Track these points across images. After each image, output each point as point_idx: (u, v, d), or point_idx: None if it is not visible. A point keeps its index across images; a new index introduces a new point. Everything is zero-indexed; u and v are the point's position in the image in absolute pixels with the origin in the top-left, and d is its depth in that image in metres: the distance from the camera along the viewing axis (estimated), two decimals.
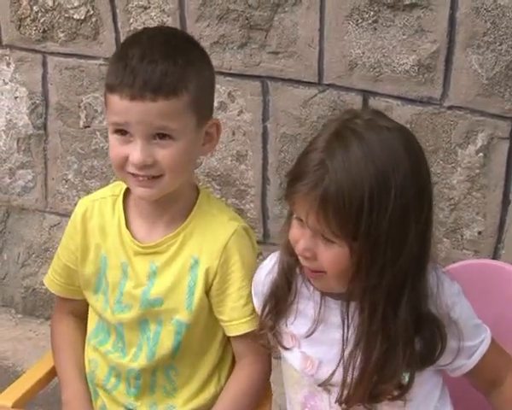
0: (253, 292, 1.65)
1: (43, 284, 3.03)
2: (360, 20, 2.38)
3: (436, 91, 2.38)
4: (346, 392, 1.47)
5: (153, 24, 2.59)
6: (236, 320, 1.67)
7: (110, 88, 1.57)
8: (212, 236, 1.66)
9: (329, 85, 2.48)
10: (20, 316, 3.08)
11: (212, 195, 1.76)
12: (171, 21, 2.57)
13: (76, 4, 2.67)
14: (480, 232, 2.45)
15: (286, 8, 2.45)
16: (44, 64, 2.79)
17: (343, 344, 1.47)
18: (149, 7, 2.59)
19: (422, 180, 1.41)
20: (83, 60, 2.73)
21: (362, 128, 1.39)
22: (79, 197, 2.84)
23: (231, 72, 2.56)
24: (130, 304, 1.69)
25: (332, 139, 1.39)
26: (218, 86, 2.49)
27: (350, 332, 1.46)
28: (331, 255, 1.40)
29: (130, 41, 1.65)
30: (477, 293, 1.54)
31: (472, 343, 1.52)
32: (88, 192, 2.84)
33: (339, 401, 1.49)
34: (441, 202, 2.41)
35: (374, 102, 2.44)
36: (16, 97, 2.86)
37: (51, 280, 1.82)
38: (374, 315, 1.42)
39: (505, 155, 2.37)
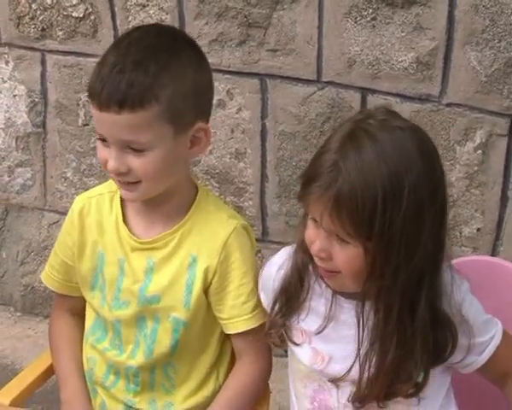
0: (260, 288, 1.65)
1: (42, 282, 3.03)
2: (359, 18, 2.38)
3: (435, 89, 2.39)
4: (360, 391, 1.48)
5: (151, 22, 2.59)
6: (236, 318, 1.66)
7: (87, 93, 1.57)
8: (211, 234, 1.65)
9: (328, 83, 2.48)
10: (19, 314, 3.08)
11: (210, 192, 1.76)
12: (169, 19, 2.57)
13: (74, 2, 2.67)
14: (478, 229, 2.45)
15: (284, 6, 2.45)
16: (43, 62, 2.79)
17: (358, 344, 1.48)
18: (148, 4, 2.59)
19: (436, 179, 1.42)
20: (81, 58, 2.73)
21: (375, 128, 1.40)
22: (78, 195, 2.85)
23: (230, 69, 2.56)
24: (127, 301, 1.69)
25: (345, 140, 1.40)
26: (216, 84, 2.48)
27: (364, 332, 1.47)
28: (346, 256, 1.41)
29: (113, 44, 1.62)
30: (476, 290, 1.54)
31: (483, 339, 1.53)
32: (87, 190, 2.84)
33: (352, 400, 1.50)
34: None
35: (372, 100, 2.44)
36: (15, 95, 2.86)
37: (48, 276, 1.83)
38: (389, 316, 1.43)
39: (504, 152, 2.38)
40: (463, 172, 2.42)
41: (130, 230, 1.68)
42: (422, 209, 1.38)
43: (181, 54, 1.57)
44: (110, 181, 1.71)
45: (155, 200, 1.64)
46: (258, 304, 1.66)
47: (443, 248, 1.45)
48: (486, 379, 1.60)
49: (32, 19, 2.74)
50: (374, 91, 2.44)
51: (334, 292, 1.52)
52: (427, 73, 2.37)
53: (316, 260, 1.47)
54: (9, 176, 2.95)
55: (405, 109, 2.41)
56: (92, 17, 2.67)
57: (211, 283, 1.66)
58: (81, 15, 2.68)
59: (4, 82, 2.85)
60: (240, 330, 1.67)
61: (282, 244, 2.47)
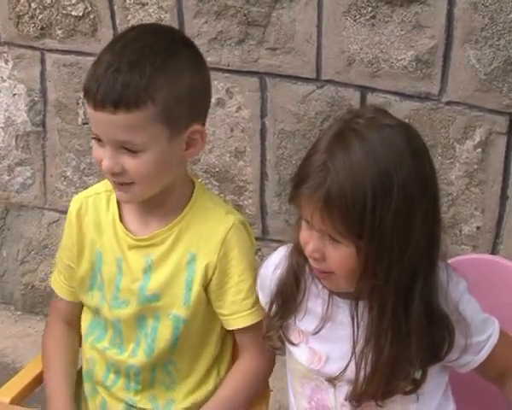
0: (258, 286, 1.66)
1: (43, 281, 3.04)
2: (358, 16, 2.38)
3: (434, 87, 2.38)
4: (357, 389, 1.48)
5: (151, 20, 2.59)
6: (236, 314, 1.67)
7: (83, 92, 1.57)
8: (210, 230, 1.65)
9: (327, 81, 2.48)
10: (19, 313, 3.08)
11: (207, 189, 1.76)
12: (168, 18, 2.57)
13: (74, 1, 2.67)
14: (478, 228, 2.45)
15: (284, 4, 2.45)
16: (43, 61, 2.79)
17: (353, 343, 1.48)
18: (147, 3, 2.59)
19: (426, 176, 1.42)
20: (81, 57, 2.72)
21: (363, 127, 1.40)
22: (76, 194, 2.85)
23: (229, 68, 2.56)
24: (127, 300, 1.69)
25: (333, 140, 1.40)
26: (215, 82, 2.49)
27: (360, 331, 1.47)
28: (339, 256, 1.41)
29: (109, 44, 1.61)
30: (475, 288, 1.54)
31: (480, 339, 1.53)
32: (87, 189, 2.84)
33: (349, 398, 1.51)
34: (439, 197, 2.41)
35: (372, 98, 2.44)
36: (14, 94, 2.86)
37: (58, 283, 1.81)
38: (383, 313, 1.43)
39: (503, 150, 2.37)
40: (463, 171, 2.41)
41: (126, 228, 1.68)
42: (413, 206, 1.38)
43: (178, 55, 1.57)
44: (106, 180, 1.71)
45: (152, 198, 1.64)
46: (258, 300, 1.66)
47: (437, 245, 1.46)
48: (484, 378, 1.60)
49: (31, 18, 2.73)
50: (373, 90, 2.44)
51: (331, 292, 1.52)
52: (427, 72, 2.37)
53: (310, 261, 1.48)
54: (9, 175, 2.95)
55: (405, 108, 2.41)
56: (91, 16, 2.67)
57: (211, 279, 1.66)
58: (80, 14, 2.67)
59: (4, 81, 2.85)
60: (240, 326, 1.67)
61: (282, 243, 2.47)
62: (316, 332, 1.53)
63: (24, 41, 2.78)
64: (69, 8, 2.68)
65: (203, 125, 1.63)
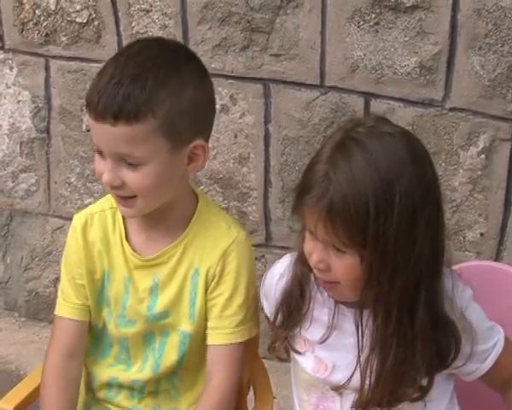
0: (263, 295, 1.65)
1: (47, 288, 3.05)
2: (362, 23, 2.38)
3: (438, 93, 2.38)
4: (362, 397, 1.48)
5: (155, 27, 2.59)
6: (218, 330, 1.65)
7: (85, 102, 1.56)
8: (212, 243, 1.65)
9: (331, 88, 2.48)
10: (23, 320, 3.08)
11: (211, 201, 1.74)
12: (172, 24, 2.57)
13: (78, 8, 2.67)
14: (482, 234, 2.45)
15: (288, 11, 2.45)
16: (47, 68, 2.79)
17: (358, 351, 1.48)
18: (151, 10, 2.59)
19: (428, 183, 1.42)
20: (85, 63, 2.73)
21: (364, 136, 1.40)
22: (82, 201, 2.86)
23: (233, 74, 2.56)
24: (133, 319, 1.68)
25: (335, 150, 1.40)
26: (219, 89, 2.49)
27: (365, 339, 1.47)
28: (343, 265, 1.41)
29: (113, 56, 1.61)
30: (479, 295, 1.54)
31: (485, 347, 1.52)
32: (91, 195, 2.85)
33: (355, 406, 1.50)
34: (443, 203, 2.40)
35: (375, 105, 2.44)
36: (19, 101, 2.86)
37: (63, 305, 1.72)
38: (388, 320, 1.43)
39: (507, 156, 2.37)
40: (467, 177, 2.41)
41: (132, 247, 1.67)
42: (416, 213, 1.38)
43: (181, 69, 1.56)
44: (108, 196, 1.69)
45: (156, 214, 1.63)
46: (245, 321, 1.65)
47: (441, 251, 1.45)
48: (488, 386, 1.59)
49: (35, 24, 2.74)
50: (377, 96, 2.44)
51: (337, 301, 1.52)
52: (431, 78, 2.37)
53: (315, 271, 1.47)
54: (13, 181, 2.95)
55: (408, 114, 2.41)
56: (96, 23, 2.67)
57: (209, 286, 1.65)
58: (85, 21, 2.68)
59: (8, 88, 2.86)
60: (218, 343, 1.65)
61: (286, 249, 2.49)
62: (322, 341, 1.53)
63: (28, 48, 2.78)
64: (73, 15, 2.69)
65: (206, 140, 1.61)
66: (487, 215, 2.43)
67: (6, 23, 2.78)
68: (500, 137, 2.36)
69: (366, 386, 1.47)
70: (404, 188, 1.36)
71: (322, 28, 2.44)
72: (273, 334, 1.59)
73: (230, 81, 2.57)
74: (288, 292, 1.56)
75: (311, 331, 1.55)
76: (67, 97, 2.79)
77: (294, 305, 1.55)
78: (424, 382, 1.47)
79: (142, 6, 2.61)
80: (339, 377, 1.52)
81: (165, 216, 1.65)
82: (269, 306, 1.63)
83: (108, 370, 1.74)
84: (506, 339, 1.55)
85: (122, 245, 1.67)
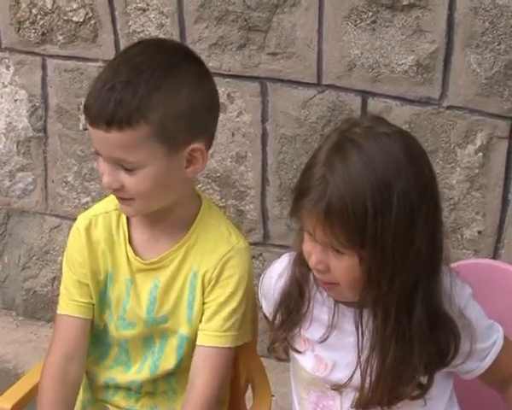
0: (261, 295, 1.66)
1: (44, 287, 3.04)
2: (359, 21, 2.38)
3: (435, 91, 2.38)
4: (363, 396, 1.48)
5: (152, 26, 2.59)
6: (206, 331, 1.65)
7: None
8: (212, 247, 1.65)
9: (328, 86, 2.48)
10: (21, 318, 3.08)
11: (213, 205, 1.73)
12: (169, 23, 2.57)
13: (75, 7, 2.67)
14: (479, 232, 2.45)
15: (284, 9, 2.45)
16: (44, 67, 2.79)
17: (358, 351, 1.48)
18: (148, 9, 2.59)
19: (425, 182, 1.42)
20: (82, 62, 2.73)
21: (360, 137, 1.40)
22: (80, 200, 2.86)
23: (230, 73, 2.56)
24: (133, 322, 1.68)
25: (331, 152, 1.40)
26: (217, 87, 2.49)
27: (364, 339, 1.47)
28: (342, 266, 1.41)
29: (111, 59, 1.60)
30: (477, 292, 1.54)
31: (484, 345, 1.53)
32: (88, 194, 2.84)
33: (356, 406, 1.51)
34: (441, 202, 2.41)
35: (373, 103, 2.44)
36: (16, 100, 2.86)
37: (68, 305, 1.71)
38: (387, 320, 1.43)
39: (504, 154, 2.37)
40: (464, 175, 2.41)
41: (135, 250, 1.66)
42: (413, 213, 1.38)
43: (176, 72, 1.53)
44: (110, 198, 1.69)
45: (158, 216, 1.63)
46: (235, 328, 1.65)
47: (439, 249, 1.45)
48: (488, 385, 1.60)
49: (32, 23, 2.74)
50: (374, 94, 2.44)
51: (336, 301, 1.52)
52: (428, 76, 2.37)
53: (315, 272, 1.48)
54: (11, 180, 2.95)
55: (406, 112, 2.41)
56: (92, 21, 2.67)
57: (205, 290, 1.65)
58: (81, 20, 2.68)
59: (5, 87, 2.86)
60: (204, 344, 1.64)
61: (284, 247, 2.49)
62: (322, 341, 1.53)
63: (25, 47, 2.78)
64: (70, 14, 2.68)
65: (206, 144, 1.59)
66: (485, 213, 2.43)
67: (2, 22, 2.78)
68: (497, 135, 2.36)
69: (366, 385, 1.47)
70: (402, 188, 1.36)
71: (319, 27, 2.44)
72: (272, 335, 1.59)
73: (227, 80, 2.57)
74: (287, 293, 1.56)
75: (311, 331, 1.55)
76: (64, 96, 2.78)
77: (293, 305, 1.55)
78: (424, 380, 1.47)
79: (139, 5, 2.60)
80: (339, 375, 1.52)
81: (168, 218, 1.64)
82: (267, 305, 1.63)
83: (107, 371, 1.74)
84: (505, 337, 1.55)
85: (125, 247, 1.67)
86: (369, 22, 2.38)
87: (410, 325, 1.43)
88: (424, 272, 1.42)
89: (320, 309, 1.54)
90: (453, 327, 1.46)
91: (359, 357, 1.48)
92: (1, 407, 1.69)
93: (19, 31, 2.76)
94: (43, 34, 2.74)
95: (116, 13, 2.64)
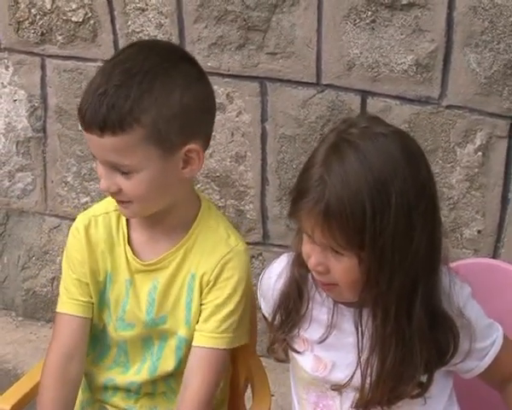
0: (259, 295, 1.66)
1: (44, 287, 3.04)
2: (358, 20, 2.38)
3: (434, 91, 2.38)
4: (363, 397, 1.48)
5: (151, 26, 2.59)
6: (202, 332, 1.65)
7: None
8: (210, 249, 1.64)
9: (328, 86, 2.48)
10: (20, 319, 3.08)
11: (213, 207, 1.73)
12: (168, 23, 2.57)
13: (74, 7, 2.67)
14: (479, 231, 2.45)
15: (284, 9, 2.45)
16: (43, 67, 2.79)
17: (358, 351, 1.48)
18: (147, 9, 2.59)
19: (423, 181, 1.41)
20: (81, 62, 2.73)
21: (357, 138, 1.39)
22: (79, 200, 2.86)
23: (229, 73, 2.56)
24: (132, 323, 1.68)
25: (329, 153, 1.40)
26: (216, 87, 2.48)
27: (364, 339, 1.47)
28: (342, 267, 1.41)
29: (104, 63, 1.59)
30: (477, 292, 1.54)
31: (484, 344, 1.53)
32: (88, 194, 2.84)
33: (356, 406, 1.51)
34: (440, 201, 2.37)
35: (372, 103, 2.44)
36: (15, 100, 2.86)
37: (67, 303, 1.70)
38: (386, 320, 1.43)
39: (504, 153, 2.37)
40: (464, 175, 2.41)
41: (134, 251, 1.66)
42: (411, 212, 1.38)
43: (168, 74, 1.53)
44: (110, 199, 1.68)
45: (157, 217, 1.63)
46: (231, 330, 1.65)
47: (438, 248, 1.45)
48: (487, 384, 1.60)
49: (31, 24, 2.74)
50: (373, 94, 2.44)
51: (336, 301, 1.51)
52: (427, 76, 2.37)
53: (314, 274, 1.47)
54: (10, 181, 2.95)
55: (405, 112, 2.41)
56: (92, 22, 2.67)
57: (203, 292, 1.65)
58: (80, 20, 2.68)
59: (4, 87, 2.86)
60: (199, 345, 1.64)
61: (283, 247, 2.49)
62: (322, 341, 1.53)
63: (24, 47, 2.78)
64: (69, 14, 2.68)
65: (202, 144, 1.59)
66: (484, 212, 2.43)
67: (1, 22, 2.78)
68: (497, 134, 2.36)
69: (367, 386, 1.47)
70: (399, 188, 1.36)
71: (319, 26, 2.44)
72: (272, 336, 1.59)
73: (227, 80, 2.57)
74: (286, 294, 1.55)
75: (311, 331, 1.55)
76: (63, 96, 2.78)
77: (293, 306, 1.55)
78: (423, 378, 1.47)
79: (138, 5, 2.60)
80: (338, 375, 1.52)
81: (167, 219, 1.64)
82: (266, 306, 1.63)
83: (106, 372, 1.73)
84: (505, 337, 1.55)
85: (125, 248, 1.67)
86: (368, 22, 2.38)
87: (410, 325, 1.43)
88: (423, 272, 1.42)
89: (319, 309, 1.54)
90: (452, 326, 1.46)
91: (359, 357, 1.48)
92: (0, 408, 1.69)
93: (18, 31, 2.76)
94: (42, 34, 2.74)
95: (115, 13, 2.64)
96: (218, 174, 2.67)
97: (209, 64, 2.51)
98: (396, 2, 2.33)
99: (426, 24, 2.33)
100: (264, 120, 2.58)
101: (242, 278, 1.65)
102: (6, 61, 2.82)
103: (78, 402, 1.77)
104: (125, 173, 1.52)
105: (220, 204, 2.66)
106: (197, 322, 1.65)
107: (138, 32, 2.62)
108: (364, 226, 1.35)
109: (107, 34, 2.66)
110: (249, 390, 1.84)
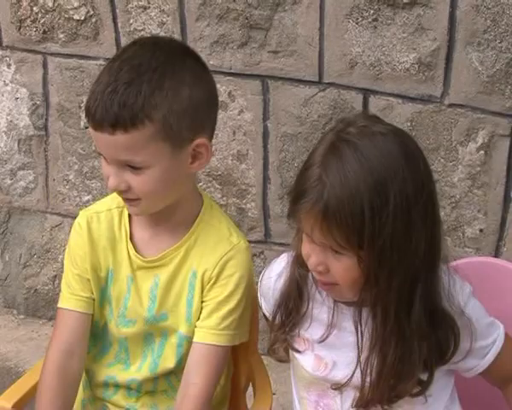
0: (260, 294, 1.66)
1: (46, 285, 3.04)
2: (360, 19, 2.38)
3: (437, 89, 2.38)
4: (363, 396, 1.48)
5: (153, 24, 2.59)
6: (204, 328, 1.65)
7: (84, 111, 1.55)
8: (212, 246, 1.65)
9: (330, 84, 2.48)
10: (22, 317, 3.08)
11: (215, 205, 1.73)
12: (170, 21, 2.57)
13: (76, 5, 2.67)
14: (481, 230, 2.45)
15: (286, 7, 2.45)
16: (45, 65, 2.79)
17: (358, 350, 1.48)
18: (149, 7, 2.59)
19: (422, 180, 1.41)
20: (83, 60, 2.73)
21: (355, 137, 1.39)
22: (81, 198, 2.86)
23: (231, 71, 2.56)
24: (134, 319, 1.68)
25: (327, 153, 1.40)
26: (218, 86, 2.47)
27: (364, 338, 1.47)
28: (342, 267, 1.41)
29: (109, 61, 1.59)
30: (479, 291, 1.54)
31: (485, 343, 1.53)
32: (89, 193, 2.84)
33: (356, 405, 1.51)
34: (442, 200, 2.41)
35: (374, 101, 2.44)
36: (17, 98, 2.86)
37: (68, 298, 1.71)
38: (386, 319, 1.43)
39: (506, 152, 2.37)
40: (466, 173, 2.41)
41: (136, 247, 1.67)
42: (410, 211, 1.38)
43: (176, 69, 1.54)
44: (115, 194, 1.68)
45: (161, 213, 1.63)
46: (232, 327, 1.65)
47: (437, 247, 1.45)
48: (489, 383, 1.60)
49: (33, 22, 2.74)
50: (376, 92, 2.44)
51: (336, 300, 1.51)
52: (429, 74, 2.37)
53: (314, 274, 1.47)
54: (12, 179, 2.95)
55: (407, 110, 2.41)
56: (93, 20, 2.67)
57: (204, 289, 1.65)
58: (82, 18, 2.68)
59: (6, 85, 2.86)
60: (200, 341, 1.64)
61: (285, 245, 2.49)
62: (322, 340, 1.53)
63: (26, 45, 2.78)
64: (71, 12, 2.68)
65: (209, 138, 1.60)
66: (486, 211, 2.43)
67: (4, 20, 2.78)
68: (499, 132, 2.35)
69: (367, 385, 1.47)
70: (398, 187, 1.36)
71: (321, 25, 2.44)
72: (273, 336, 1.59)
73: (229, 78, 2.57)
74: (286, 294, 1.56)
75: (311, 331, 1.55)
76: (65, 94, 2.78)
77: (293, 306, 1.55)
78: (424, 377, 1.47)
79: (140, 3, 2.60)
80: (339, 375, 1.52)
81: (171, 216, 1.64)
82: (267, 306, 1.63)
83: (107, 369, 1.74)
84: (506, 335, 1.55)
85: (127, 244, 1.67)
86: (370, 20, 2.37)
87: (410, 323, 1.43)
88: (423, 271, 1.42)
89: (319, 309, 1.54)
90: (453, 325, 1.46)
91: (359, 356, 1.48)
92: (2, 406, 1.69)
93: (20, 29, 2.76)
94: (44, 32, 2.74)
95: (117, 11, 2.64)
96: (219, 173, 2.67)
97: (211, 62, 2.50)
98: (398, 0, 2.33)
99: (428, 22, 2.32)
100: (266, 118, 2.58)
101: (244, 275, 1.65)
102: (8, 59, 2.83)
103: (79, 400, 1.77)
104: (136, 170, 1.53)
105: (222, 202, 2.66)
106: (198, 319, 1.65)
107: (140, 31, 2.62)
108: (363, 226, 1.35)
109: (109, 32, 2.66)
110: (250, 389, 1.84)
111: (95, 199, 2.71)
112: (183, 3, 2.56)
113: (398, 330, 1.43)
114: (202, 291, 1.65)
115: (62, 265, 1.78)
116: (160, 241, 1.66)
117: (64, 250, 1.79)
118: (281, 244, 2.62)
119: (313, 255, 1.44)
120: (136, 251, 1.66)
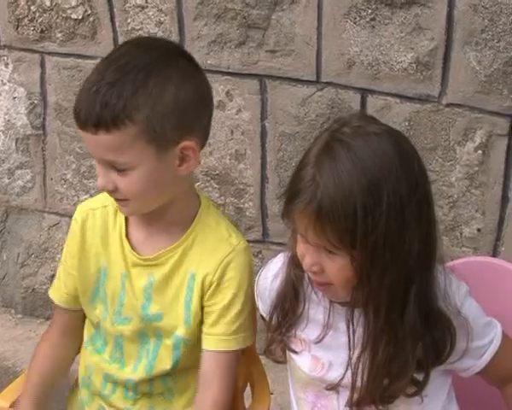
0: (257, 296, 1.65)
1: (43, 284, 3.04)
2: (358, 18, 2.38)
3: (434, 89, 2.38)
4: (355, 395, 1.48)
5: (150, 23, 2.59)
6: (213, 335, 1.65)
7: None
8: (211, 250, 1.64)
9: (328, 84, 2.48)
10: (19, 316, 3.08)
11: (212, 205, 1.73)
12: (168, 20, 2.57)
13: (73, 4, 2.67)
14: (479, 230, 2.45)
15: (284, 7, 2.45)
16: (42, 64, 2.79)
17: (349, 349, 1.48)
18: (147, 6, 2.59)
19: (416, 180, 1.41)
20: (81, 59, 2.72)
21: (349, 137, 1.39)
22: (78, 197, 2.86)
23: (229, 70, 2.55)
24: (129, 317, 1.68)
25: (321, 153, 1.40)
26: (216, 85, 2.49)
27: (356, 337, 1.47)
28: (336, 267, 1.41)
29: (100, 61, 1.58)
30: (476, 290, 1.54)
31: (481, 343, 1.52)
32: (87, 192, 2.84)
33: (349, 404, 1.51)
34: (440, 199, 2.41)
35: (372, 101, 2.44)
36: (14, 98, 2.86)
37: (55, 290, 1.78)
38: (378, 317, 1.43)
39: (504, 152, 2.37)
40: (463, 173, 2.41)
41: (131, 244, 1.67)
42: (404, 211, 1.37)
43: (162, 71, 1.52)
44: None
45: (153, 213, 1.63)
46: (240, 330, 1.65)
47: (433, 247, 1.45)
48: (487, 382, 1.60)
49: (31, 21, 2.73)
50: (373, 92, 2.44)
51: (332, 301, 1.51)
52: (427, 74, 2.37)
53: (309, 274, 1.48)
54: (9, 178, 2.95)
55: (405, 110, 2.41)
56: (91, 19, 2.67)
57: (205, 294, 1.65)
58: (80, 17, 2.67)
59: (4, 84, 2.85)
60: (212, 348, 1.65)
61: (283, 245, 2.48)
62: (319, 341, 1.53)
63: (24, 44, 2.78)
64: (69, 12, 2.68)
65: (199, 141, 1.58)
66: (484, 211, 2.43)
67: (1, 19, 2.78)
68: (497, 132, 2.35)
69: (358, 384, 1.47)
70: (392, 186, 1.36)
71: (319, 24, 2.43)
72: (269, 337, 1.59)
73: (226, 77, 2.56)
74: (282, 294, 1.56)
75: (307, 331, 1.55)
76: (63, 94, 2.78)
77: (289, 307, 1.55)
78: (420, 377, 1.47)
79: (138, 2, 2.60)
80: (334, 375, 1.52)
81: (165, 216, 1.64)
82: (264, 306, 1.63)
83: (104, 365, 1.74)
84: (504, 335, 1.55)
85: (121, 242, 1.67)
86: (368, 20, 2.37)
87: (403, 323, 1.43)
88: (417, 271, 1.42)
89: (316, 309, 1.54)
90: (449, 325, 1.46)
91: (350, 356, 1.48)
92: (0, 405, 1.69)
93: (17, 28, 2.76)
94: (41, 31, 2.73)
95: (115, 10, 2.64)
96: (217, 172, 2.67)
97: (209, 62, 2.50)
98: (396, 0, 2.33)
99: (426, 22, 2.32)
100: (263, 117, 2.58)
101: (245, 277, 1.65)
102: (5, 58, 2.82)
103: (76, 400, 1.78)
104: (121, 171, 1.53)
105: (220, 202, 2.66)
106: (197, 323, 1.65)
107: (138, 30, 2.62)
108: (356, 226, 1.35)
109: (107, 32, 2.66)
110: (248, 389, 1.84)
111: None
112: (180, 3, 2.55)
113: (390, 329, 1.43)
114: (203, 296, 1.64)
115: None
116: (156, 241, 1.66)
117: (62, 249, 1.81)
118: (279, 244, 2.62)
119: (307, 256, 1.44)
120: (132, 249, 1.66)
